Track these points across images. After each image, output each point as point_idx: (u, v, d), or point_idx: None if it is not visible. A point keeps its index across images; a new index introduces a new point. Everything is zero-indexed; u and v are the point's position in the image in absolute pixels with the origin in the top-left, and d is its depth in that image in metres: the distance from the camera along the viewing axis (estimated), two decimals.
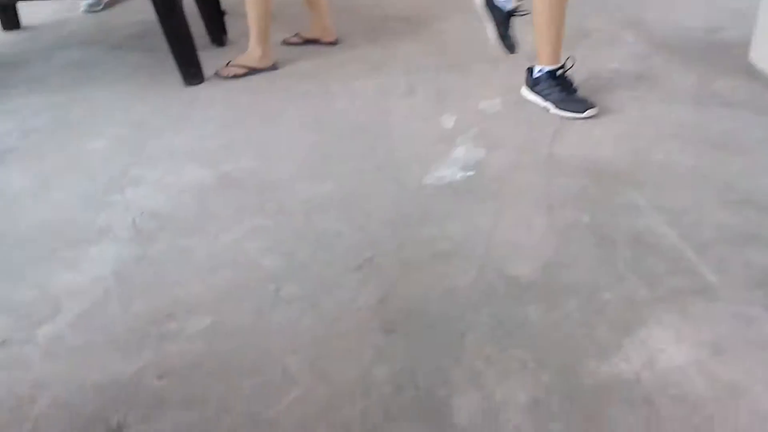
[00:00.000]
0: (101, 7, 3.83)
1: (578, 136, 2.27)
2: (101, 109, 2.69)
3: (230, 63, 2.88)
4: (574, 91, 2.40)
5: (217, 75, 2.88)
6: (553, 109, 2.38)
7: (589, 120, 2.34)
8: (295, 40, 3.17)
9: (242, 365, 1.45)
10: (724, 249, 1.70)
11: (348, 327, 1.53)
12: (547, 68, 2.39)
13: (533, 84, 2.44)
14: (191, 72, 2.82)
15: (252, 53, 2.86)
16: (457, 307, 1.56)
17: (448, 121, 2.41)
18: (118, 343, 1.54)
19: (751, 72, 2.58)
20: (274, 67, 2.92)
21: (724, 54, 2.75)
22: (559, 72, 2.39)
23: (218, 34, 3.17)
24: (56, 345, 1.55)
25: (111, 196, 2.12)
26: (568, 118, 2.35)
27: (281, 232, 1.88)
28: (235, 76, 2.85)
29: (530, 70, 2.46)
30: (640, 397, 1.30)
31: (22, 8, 3.55)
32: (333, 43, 3.12)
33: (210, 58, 2.97)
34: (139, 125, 2.55)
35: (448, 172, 2.11)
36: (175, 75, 2.86)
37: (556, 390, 1.33)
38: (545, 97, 2.40)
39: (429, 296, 1.61)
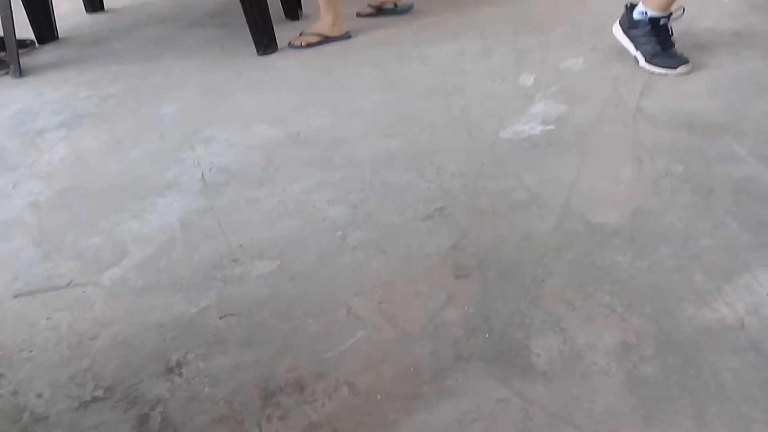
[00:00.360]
0: None
1: (670, 90, 2.10)
2: (175, 78, 2.69)
3: (303, 33, 2.84)
4: (672, 45, 2.18)
5: (290, 45, 2.84)
6: (642, 62, 2.20)
7: (683, 75, 2.16)
8: (368, 11, 3.11)
9: (306, 307, 1.37)
10: None
11: (417, 271, 1.43)
12: (652, 14, 2.15)
13: (629, 25, 2.21)
14: (265, 42, 2.79)
15: (324, 21, 2.81)
16: (535, 253, 1.44)
17: (527, 80, 2.28)
18: (181, 285, 1.49)
19: None
20: (347, 36, 2.87)
21: None
22: (663, 21, 2.15)
23: (293, 7, 3.14)
24: (120, 287, 1.51)
25: (181, 153, 2.09)
26: (659, 74, 2.17)
27: (349, 184, 1.81)
28: (309, 45, 2.81)
29: (630, 8, 2.21)
30: (747, 343, 1.15)
31: None
32: (408, 9, 3.05)
33: (283, 31, 2.94)
34: (212, 91, 2.54)
35: (526, 126, 1.99)
36: (249, 47, 2.84)
37: (649, 334, 1.19)
38: (639, 45, 2.19)
39: (505, 243, 1.49)
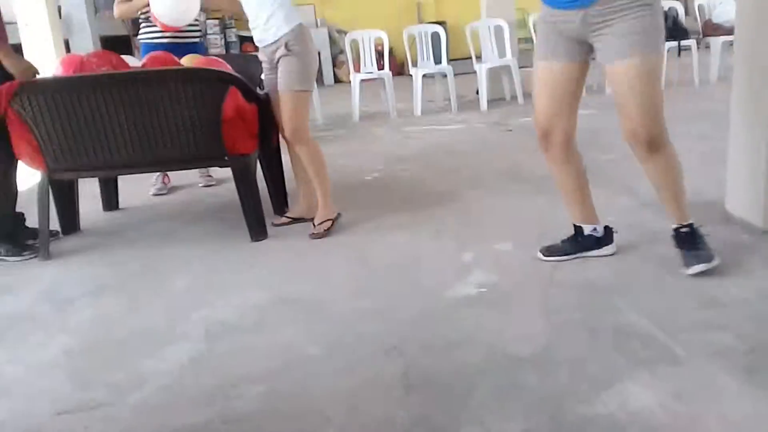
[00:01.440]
0: (166, 191, 4.52)
1: (578, 261, 2.65)
2: (182, 261, 3.19)
3: (315, 226, 3.33)
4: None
5: (312, 236, 3.31)
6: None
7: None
8: (284, 220, 3.55)
9: (290, 415, 1.77)
10: (692, 335, 1.99)
11: (376, 386, 1.85)
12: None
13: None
14: (258, 230, 3.35)
15: (328, 209, 3.37)
16: (467, 375, 1.87)
17: (468, 257, 2.83)
18: (191, 402, 1.87)
19: (727, 218, 2.98)
20: (339, 217, 3.45)
21: (705, 207, 3.16)
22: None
23: (281, 204, 3.75)
24: (142, 405, 1.89)
25: (187, 314, 2.54)
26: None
27: (326, 332, 2.25)
28: (326, 231, 3.33)
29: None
30: (617, 429, 1.57)
31: (121, 192, 4.25)
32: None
33: (271, 221, 3.52)
34: (213, 270, 3.03)
35: (465, 289, 2.49)
36: (243, 235, 3.38)
37: (545, 424, 1.61)
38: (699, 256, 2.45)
39: (444, 369, 1.93)
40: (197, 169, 4.59)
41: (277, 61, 3.23)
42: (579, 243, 2.70)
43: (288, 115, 3.24)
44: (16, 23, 6.36)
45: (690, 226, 2.52)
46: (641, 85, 2.29)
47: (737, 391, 1.70)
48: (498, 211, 3.50)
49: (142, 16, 4.21)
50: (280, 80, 3.22)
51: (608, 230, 2.73)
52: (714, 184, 3.29)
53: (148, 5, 3.99)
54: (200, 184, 4.62)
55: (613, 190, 3.60)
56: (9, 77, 3.17)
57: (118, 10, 4.20)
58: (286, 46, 3.17)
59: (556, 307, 2.27)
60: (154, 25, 4.12)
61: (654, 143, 2.37)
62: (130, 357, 2.20)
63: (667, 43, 6.90)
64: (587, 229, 2.70)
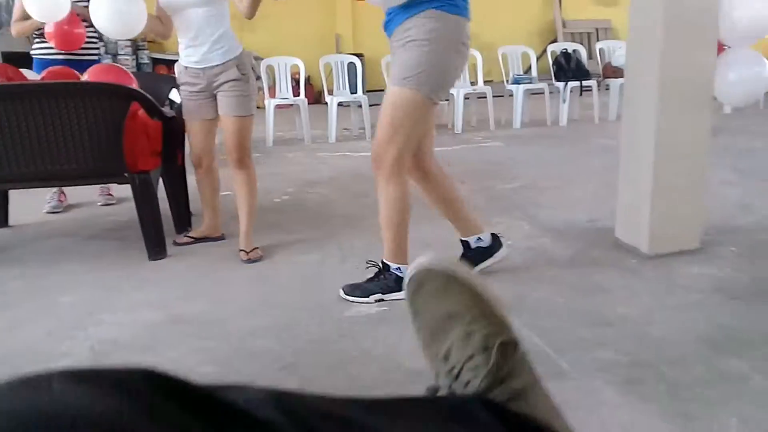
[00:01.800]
0: (61, 209, 4.33)
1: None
2: (71, 279, 3.04)
3: (249, 253, 3.17)
4: None
5: (175, 243, 3.38)
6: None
7: (488, 267, 2.78)
8: (186, 240, 3.46)
9: None
10: (579, 352, 2.06)
11: None
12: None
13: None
14: (157, 249, 3.24)
15: (206, 224, 3.46)
16: (362, 389, 1.86)
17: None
18: None
19: (617, 244, 3.12)
20: (222, 237, 3.44)
21: (598, 234, 3.30)
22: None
23: (183, 222, 3.65)
24: None
25: (73, 332, 2.41)
26: None
27: (219, 351, 2.18)
28: (192, 240, 3.42)
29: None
30: None
31: (12, 209, 4.02)
32: (220, 239, 3.48)
33: (172, 241, 3.41)
34: (106, 286, 2.90)
35: (366, 308, 2.48)
36: (141, 254, 3.26)
37: None
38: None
39: (339, 384, 1.90)
40: (98, 186, 4.42)
41: (219, 85, 3.12)
42: (470, 257, 2.74)
43: (239, 140, 3.13)
44: None
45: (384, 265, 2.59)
46: (389, 110, 2.41)
47: (618, 402, 1.76)
48: (418, 239, 3.51)
49: (36, 32, 4.05)
50: (230, 105, 3.11)
51: (495, 237, 2.80)
52: (607, 213, 3.44)
53: (43, 25, 3.87)
54: (99, 203, 4.43)
55: (514, 217, 3.71)
56: None
57: (14, 28, 3.99)
58: (238, 68, 3.10)
59: None
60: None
61: (377, 160, 2.46)
62: (9, 376, 2.06)
63: (570, 82, 7.26)
64: (473, 242, 2.76)
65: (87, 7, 3.93)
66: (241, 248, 3.19)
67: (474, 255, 2.75)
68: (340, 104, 6.93)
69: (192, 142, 3.31)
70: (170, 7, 3.13)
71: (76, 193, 4.47)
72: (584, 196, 4.10)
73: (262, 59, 7.47)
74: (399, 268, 2.55)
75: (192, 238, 3.47)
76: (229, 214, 3.59)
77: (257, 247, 3.21)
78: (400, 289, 2.46)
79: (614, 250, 3.06)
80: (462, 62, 2.46)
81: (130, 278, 3.00)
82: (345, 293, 2.59)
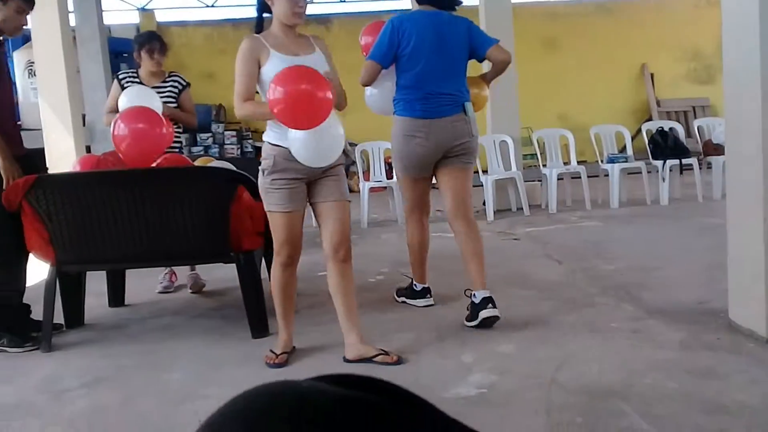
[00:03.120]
0: (172, 289, 4.53)
1: (580, 364, 2.60)
2: (180, 355, 3.15)
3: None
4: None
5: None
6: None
7: (593, 350, 2.68)
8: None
9: None
10: None
11: None
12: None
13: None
14: (259, 327, 3.33)
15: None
16: None
17: (468, 358, 2.79)
18: None
19: (731, 327, 2.95)
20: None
21: (709, 316, 3.14)
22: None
23: None
24: None
25: (182, 405, 2.49)
26: None
27: None
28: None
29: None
30: None
31: (128, 289, 4.26)
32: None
33: (274, 321, 3.49)
34: (211, 364, 3.00)
35: (465, 390, 2.44)
36: (245, 331, 3.36)
37: None
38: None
39: None
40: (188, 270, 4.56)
41: (326, 170, 2.85)
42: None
43: (348, 227, 2.92)
44: (40, 129, 6.62)
45: None
46: None
47: None
48: (502, 315, 3.47)
49: None
50: (340, 189, 2.90)
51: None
52: (717, 294, 3.28)
53: None
54: (157, 290, 4.47)
55: (618, 298, 3.59)
56: (31, 170, 3.29)
57: (106, 119, 4.21)
58: (344, 152, 2.94)
59: (558, 409, 2.22)
60: None
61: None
62: None
63: (669, 161, 7.07)
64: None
65: (177, 107, 4.25)
66: (364, 355, 2.85)
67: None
68: (433, 186, 7.03)
69: (287, 237, 2.86)
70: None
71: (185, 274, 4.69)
72: (691, 277, 3.93)
73: (356, 144, 7.74)
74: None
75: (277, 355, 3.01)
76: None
77: (386, 352, 2.86)
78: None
79: (728, 333, 2.89)
80: (414, 148, 3.35)
81: (234, 355, 3.09)
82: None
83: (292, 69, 2.63)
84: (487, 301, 3.13)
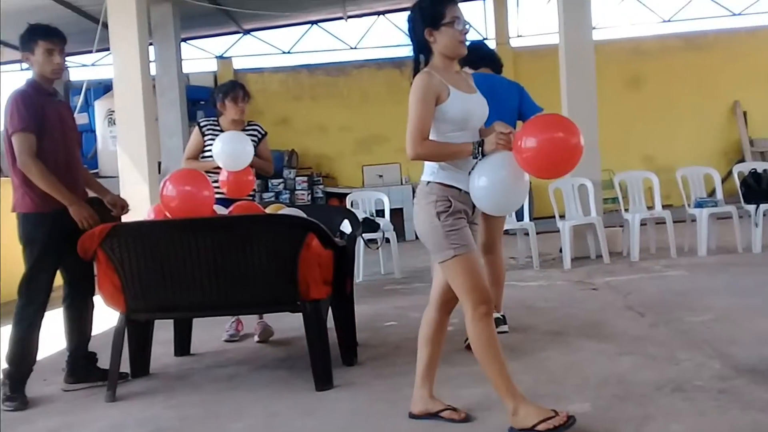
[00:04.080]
0: (238, 338, 4.61)
1: (662, 426, 2.49)
2: (243, 406, 3.21)
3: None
4: None
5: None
6: None
7: (675, 412, 2.56)
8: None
9: None
10: None
11: None
12: None
13: None
14: (323, 379, 3.36)
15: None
16: None
17: None
18: None
19: None
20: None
21: None
22: None
23: (350, 354, 3.77)
24: None
25: None
26: None
27: None
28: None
29: None
30: None
31: (194, 338, 4.38)
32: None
33: (337, 372, 3.51)
34: (273, 415, 3.04)
35: None
36: (309, 382, 3.39)
37: None
38: None
39: None
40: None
41: (477, 213, 2.81)
42: None
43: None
44: (117, 177, 6.98)
45: None
46: None
47: None
48: (577, 369, 3.40)
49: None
50: (477, 238, 2.84)
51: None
52: None
53: (217, 168, 4.26)
54: (223, 338, 4.59)
55: (705, 354, 3.44)
56: (106, 218, 3.48)
57: (186, 165, 4.43)
58: None
59: None
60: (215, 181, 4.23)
61: None
62: None
63: (762, 205, 6.74)
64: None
65: (255, 155, 4.39)
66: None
67: None
68: (506, 232, 6.96)
69: (482, 281, 2.70)
70: (459, 121, 2.71)
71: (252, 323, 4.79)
72: None
73: None
74: None
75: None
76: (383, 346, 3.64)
77: (453, 408, 2.82)
78: None
79: None
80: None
81: (297, 407, 3.12)
82: None
83: (545, 116, 2.75)
84: (498, 322, 3.33)
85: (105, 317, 3.82)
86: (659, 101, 11.96)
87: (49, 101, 3.58)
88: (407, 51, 2.82)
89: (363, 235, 6.25)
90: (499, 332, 3.03)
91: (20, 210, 3.50)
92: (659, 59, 12.19)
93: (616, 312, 4.64)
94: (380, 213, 7.83)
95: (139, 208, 6.02)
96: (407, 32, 2.81)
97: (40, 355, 3.57)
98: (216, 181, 4.24)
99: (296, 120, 12.49)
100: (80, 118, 8.66)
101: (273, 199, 10.88)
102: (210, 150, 4.35)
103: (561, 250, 7.03)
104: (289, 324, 4.73)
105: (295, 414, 3.04)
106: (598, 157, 7.27)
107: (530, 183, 2.80)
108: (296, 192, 11.37)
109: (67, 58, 4.05)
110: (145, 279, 3.42)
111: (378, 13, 12.74)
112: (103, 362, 3.62)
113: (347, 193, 9.01)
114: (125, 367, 3.72)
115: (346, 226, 4.14)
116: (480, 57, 4.24)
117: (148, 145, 6.98)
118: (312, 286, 3.41)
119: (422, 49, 2.75)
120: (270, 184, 11.25)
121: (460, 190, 2.67)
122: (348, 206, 7.45)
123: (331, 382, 3.40)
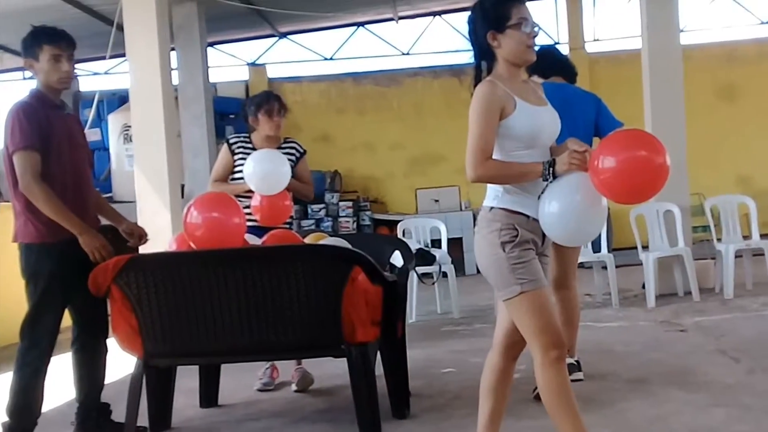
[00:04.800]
0: (273, 386, 4.58)
1: None
2: None
3: None
4: None
5: None
6: None
7: None
8: None
9: None
10: None
11: None
12: None
13: None
14: None
15: None
16: None
17: None
18: None
19: None
20: None
21: None
22: None
23: (401, 406, 3.70)
24: None
25: None
26: None
27: None
28: None
29: None
30: None
31: (223, 386, 4.36)
32: None
33: (388, 429, 3.46)
34: None
35: None
36: None
37: None
38: None
39: None
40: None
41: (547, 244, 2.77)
42: None
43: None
44: (133, 202, 7.02)
45: None
46: None
47: None
48: (662, 423, 3.36)
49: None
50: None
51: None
52: None
53: (249, 192, 4.25)
54: (256, 387, 4.54)
55: None
56: (121, 249, 3.48)
57: (213, 188, 4.46)
58: None
59: None
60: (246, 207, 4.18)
61: None
62: None
63: None
64: None
65: (293, 176, 4.35)
66: None
67: None
68: (581, 265, 6.84)
69: (555, 321, 2.68)
70: (527, 137, 2.66)
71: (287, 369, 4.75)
72: None
73: None
74: None
75: None
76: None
77: None
78: None
79: None
80: None
81: None
82: None
83: (626, 132, 2.72)
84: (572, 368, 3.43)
85: (120, 363, 3.82)
86: (756, 114, 11.71)
87: (56, 115, 3.58)
88: (467, 57, 2.79)
89: (416, 268, 6.20)
90: (572, 380, 2.99)
91: (23, 240, 3.50)
92: (757, 66, 11.94)
93: (708, 357, 4.59)
94: (436, 243, 7.75)
95: (159, 238, 6.08)
96: (467, 36, 2.77)
97: (46, 406, 3.56)
98: (247, 207, 4.21)
99: (339, 136, 12.50)
100: (91, 134, 8.67)
101: (313, 227, 10.86)
102: (241, 171, 4.36)
103: (644, 286, 6.93)
104: (331, 371, 4.67)
105: None
106: (686, 178, 7.18)
107: (608, 209, 2.72)
108: (340, 219, 11.38)
109: (76, 66, 4.10)
110: (166, 319, 3.41)
111: (434, 14, 12.60)
112: (118, 415, 3.61)
113: (398, 221, 8.96)
114: (143, 420, 3.70)
115: (397, 259, 4.10)
116: (551, 64, 4.22)
117: (170, 165, 6.85)
118: (358, 327, 3.37)
119: (485, 55, 2.72)
120: (310, 210, 11.28)
121: (528, 217, 2.61)
122: (399, 235, 7.41)
123: None
